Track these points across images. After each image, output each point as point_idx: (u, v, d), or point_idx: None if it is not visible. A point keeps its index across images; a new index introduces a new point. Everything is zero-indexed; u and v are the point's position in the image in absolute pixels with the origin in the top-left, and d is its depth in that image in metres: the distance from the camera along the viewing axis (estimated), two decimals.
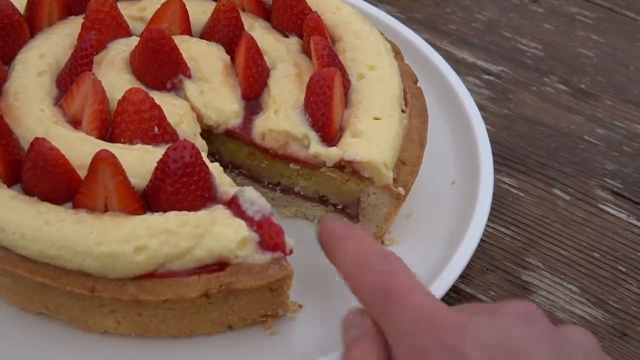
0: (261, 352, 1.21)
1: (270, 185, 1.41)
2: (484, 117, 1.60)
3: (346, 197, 1.35)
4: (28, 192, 1.18)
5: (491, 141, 1.53)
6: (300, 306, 1.26)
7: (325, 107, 1.29)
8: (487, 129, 1.53)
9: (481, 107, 1.68)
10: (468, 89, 1.62)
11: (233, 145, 1.39)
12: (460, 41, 1.88)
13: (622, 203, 1.55)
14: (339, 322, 1.22)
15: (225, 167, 1.42)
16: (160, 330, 1.20)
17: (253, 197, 1.18)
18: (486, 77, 1.79)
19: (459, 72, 1.69)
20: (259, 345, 1.22)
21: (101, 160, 1.13)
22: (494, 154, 1.53)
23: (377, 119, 1.32)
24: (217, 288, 1.13)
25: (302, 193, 1.39)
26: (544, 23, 1.96)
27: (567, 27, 1.95)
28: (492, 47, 1.87)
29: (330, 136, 1.30)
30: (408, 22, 1.89)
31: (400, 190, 1.30)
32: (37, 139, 1.15)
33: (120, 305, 1.15)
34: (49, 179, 1.15)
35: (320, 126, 1.30)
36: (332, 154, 1.28)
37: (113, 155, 1.13)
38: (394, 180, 1.30)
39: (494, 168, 1.48)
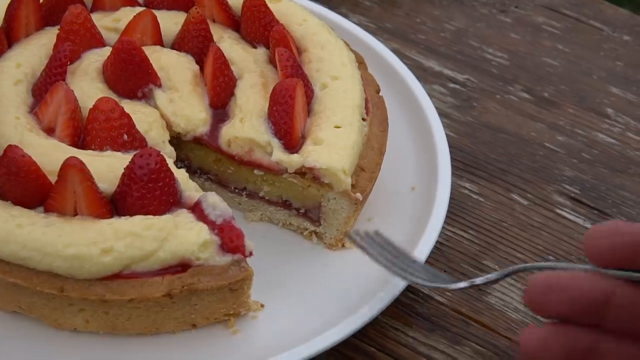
0: (224, 349, 1.27)
1: (237, 190, 1.47)
2: (448, 125, 1.66)
3: (308, 202, 1.42)
4: (1, 196, 1.24)
5: (454, 148, 1.60)
6: (262, 305, 1.32)
7: (287, 116, 1.35)
8: (451, 136, 1.59)
9: (446, 115, 1.74)
10: (434, 97, 1.68)
11: (201, 152, 1.45)
12: (428, 50, 1.94)
13: (579, 208, 1.60)
14: (297, 321, 1.29)
15: (194, 172, 1.48)
16: (127, 328, 1.25)
17: (215, 202, 1.24)
18: (452, 85, 1.85)
19: (425, 81, 1.75)
20: (222, 342, 1.27)
21: (70, 167, 1.19)
22: (456, 160, 1.60)
23: (337, 127, 1.39)
24: (180, 288, 1.20)
25: (266, 198, 1.45)
26: (511, 33, 2.02)
27: (534, 37, 2.01)
28: (459, 56, 1.93)
29: (292, 144, 1.36)
30: (379, 31, 1.95)
31: (358, 195, 1.36)
32: (10, 146, 1.21)
33: (88, 305, 1.21)
34: (20, 185, 1.22)
35: (283, 134, 1.36)
36: (293, 160, 1.34)
37: (81, 162, 1.19)
38: (353, 186, 1.36)
39: (456, 174, 1.54)
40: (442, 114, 1.64)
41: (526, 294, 0.97)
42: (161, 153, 1.23)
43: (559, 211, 1.60)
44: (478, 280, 1.19)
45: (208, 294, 1.22)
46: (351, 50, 1.58)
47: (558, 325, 0.97)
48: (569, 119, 1.80)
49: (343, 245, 1.42)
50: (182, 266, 1.21)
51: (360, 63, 1.58)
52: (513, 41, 2.00)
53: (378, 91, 1.55)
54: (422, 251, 1.36)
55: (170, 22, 1.55)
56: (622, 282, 0.95)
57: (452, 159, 1.55)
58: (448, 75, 1.88)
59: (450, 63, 1.91)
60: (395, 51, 1.79)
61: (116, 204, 1.25)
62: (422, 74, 1.81)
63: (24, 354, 1.24)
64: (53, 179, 1.23)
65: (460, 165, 1.66)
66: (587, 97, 1.86)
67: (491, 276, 1.17)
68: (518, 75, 1.90)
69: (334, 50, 1.53)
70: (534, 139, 1.74)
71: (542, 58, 1.96)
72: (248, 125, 1.38)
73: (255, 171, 1.41)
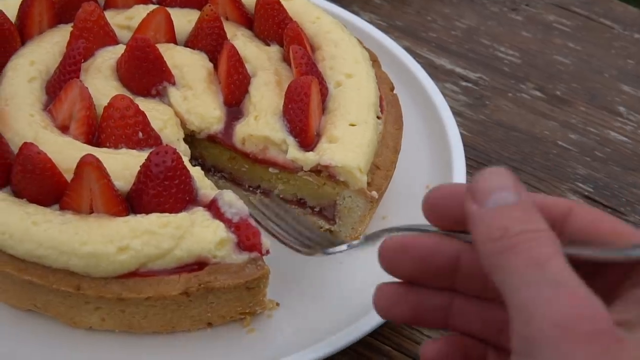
0: (239, 348, 1.26)
1: (251, 189, 1.47)
2: (460, 123, 1.66)
3: (323, 200, 1.41)
4: (17, 194, 1.24)
5: (467, 146, 1.59)
6: (277, 304, 1.31)
7: (302, 114, 1.34)
8: (463, 135, 1.58)
9: (458, 113, 1.74)
10: (446, 95, 1.67)
11: (215, 150, 1.45)
12: (440, 48, 1.93)
13: (593, 206, 1.59)
14: (314, 320, 1.29)
15: (208, 170, 1.47)
16: (143, 326, 1.25)
17: (231, 200, 1.24)
18: (464, 83, 1.85)
19: (437, 79, 1.75)
20: (237, 341, 1.27)
21: (86, 164, 1.18)
22: (469, 158, 1.59)
23: (352, 125, 1.38)
24: (197, 286, 1.19)
25: (281, 196, 1.44)
26: (522, 31, 2.01)
27: (545, 35, 2.01)
28: (471, 55, 1.93)
29: (307, 142, 1.36)
30: (389, 29, 1.94)
31: (374, 194, 1.35)
32: (25, 143, 1.21)
33: (105, 303, 1.21)
34: (36, 182, 1.21)
35: (298, 132, 1.35)
36: (308, 158, 1.34)
37: (97, 160, 1.19)
38: (368, 184, 1.36)
39: (469, 172, 1.53)
40: (454, 112, 1.63)
41: (380, 255, 1.02)
42: (177, 151, 1.22)
43: None
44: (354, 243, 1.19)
45: (225, 292, 1.21)
46: (364, 48, 1.57)
47: (453, 336, 1.01)
48: (581, 117, 1.80)
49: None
50: (199, 264, 1.21)
51: (374, 61, 1.57)
52: (524, 39, 1.99)
53: (392, 89, 1.54)
54: None
55: (184, 19, 1.54)
56: (468, 246, 0.97)
57: (465, 157, 1.54)
58: (460, 73, 1.88)
59: (462, 61, 1.91)
60: (406, 49, 1.78)
61: (132, 202, 1.24)
62: (434, 72, 1.81)
63: (39, 353, 1.24)
64: (68, 176, 1.22)
65: (473, 163, 1.65)
66: (598, 95, 1.86)
67: (360, 241, 1.17)
68: (530, 74, 1.89)
69: (347, 47, 1.52)
70: (546, 137, 1.74)
71: (553, 56, 1.95)
72: (263, 123, 1.38)
73: (270, 169, 1.40)
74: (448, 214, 0.98)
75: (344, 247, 1.22)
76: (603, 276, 0.91)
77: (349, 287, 1.34)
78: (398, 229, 1.08)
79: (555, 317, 0.76)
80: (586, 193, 1.63)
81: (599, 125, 1.78)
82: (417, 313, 1.03)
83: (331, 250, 1.23)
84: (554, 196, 0.96)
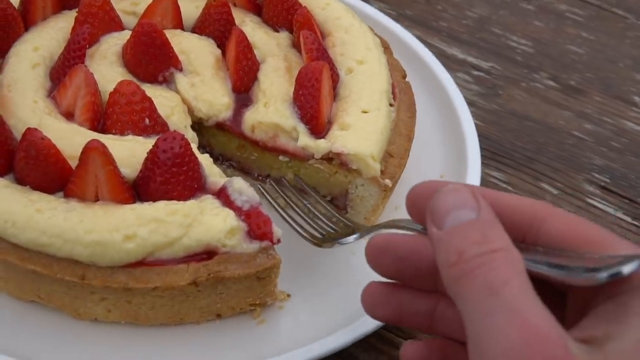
0: (249, 340, 1.22)
1: (260, 178, 1.43)
2: (473, 113, 1.62)
3: (335, 189, 1.37)
4: (20, 181, 1.20)
5: (480, 136, 1.55)
6: (288, 295, 1.27)
7: (313, 100, 1.30)
8: (476, 124, 1.54)
9: (471, 103, 1.70)
10: (458, 84, 1.63)
11: (223, 138, 1.41)
12: (451, 38, 1.90)
13: (610, 197, 1.56)
14: (326, 311, 1.25)
15: (216, 159, 1.44)
16: (150, 318, 1.21)
17: (242, 188, 1.20)
18: (476, 73, 1.81)
19: (449, 68, 1.71)
20: (247, 333, 1.23)
21: (92, 149, 1.15)
22: (482, 148, 1.55)
23: (365, 112, 1.34)
24: (206, 276, 1.15)
25: (291, 185, 1.40)
26: (534, 20, 1.98)
27: (557, 25, 1.97)
28: (482, 44, 1.89)
29: (318, 129, 1.32)
30: (399, 18, 1.90)
31: (387, 182, 1.32)
32: (29, 129, 1.17)
33: (110, 293, 1.17)
34: (40, 169, 1.17)
35: (309, 119, 1.32)
36: (320, 146, 1.30)
37: (103, 145, 1.15)
38: (381, 172, 1.32)
39: (482, 162, 1.49)
40: (467, 102, 1.59)
41: (365, 252, 1.01)
42: (185, 137, 1.18)
43: (589, 200, 1.55)
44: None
45: (235, 282, 1.17)
46: (375, 34, 1.53)
47: (434, 339, 0.99)
48: (596, 107, 1.76)
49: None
50: (208, 253, 1.17)
51: (386, 48, 1.53)
52: (536, 29, 1.96)
53: (404, 76, 1.51)
54: None
55: (191, 5, 1.50)
56: None
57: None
58: (472, 62, 1.84)
59: (474, 51, 1.87)
60: (416, 38, 1.74)
61: (138, 190, 1.20)
62: (445, 62, 1.77)
63: (43, 346, 1.20)
64: (72, 164, 1.19)
65: (487, 153, 1.62)
66: (613, 85, 1.82)
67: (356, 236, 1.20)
68: (543, 63, 1.86)
69: (358, 34, 1.49)
70: (561, 127, 1.70)
71: (566, 46, 1.92)
72: (272, 110, 1.34)
73: (280, 157, 1.36)
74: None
75: (351, 238, 1.20)
76: (576, 289, 0.87)
77: (362, 277, 1.27)
78: (397, 226, 1.05)
79: (505, 349, 0.72)
80: (602, 184, 1.59)
81: (615, 115, 1.74)
82: (401, 315, 1.01)
83: (344, 240, 1.20)
84: (531, 199, 0.91)
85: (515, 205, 0.88)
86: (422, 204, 0.92)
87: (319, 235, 1.25)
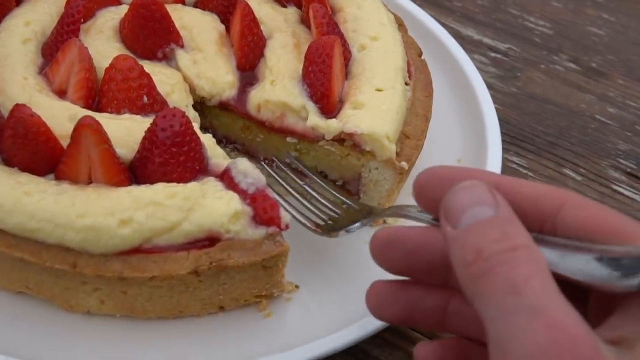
0: (255, 334, 1.13)
1: (266, 161, 1.33)
2: (491, 95, 1.53)
3: (346, 173, 1.28)
4: (7, 162, 1.11)
5: (499, 119, 1.46)
6: (296, 286, 1.18)
7: (324, 77, 1.22)
8: (495, 108, 1.46)
9: (488, 85, 1.59)
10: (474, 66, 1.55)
11: (227, 119, 1.32)
12: (466, 18, 1.81)
13: (636, 184, 1.47)
14: (337, 304, 1.16)
15: (219, 141, 1.34)
16: (147, 310, 1.12)
17: (247, 169, 1.11)
18: (493, 54, 1.72)
19: (464, 50, 1.62)
20: (252, 327, 1.14)
21: (84, 127, 1.06)
22: (501, 132, 1.46)
23: (379, 90, 1.25)
24: (208, 265, 1.06)
25: (299, 169, 1.31)
26: (552, 1, 1.89)
27: (576, 5, 1.88)
28: (499, 25, 1.80)
29: (329, 108, 1.23)
30: None
31: (404, 164, 1.23)
32: (17, 105, 1.08)
33: (104, 283, 1.08)
34: (29, 148, 1.08)
35: (319, 97, 1.23)
36: (331, 126, 1.21)
37: (97, 122, 1.06)
38: (397, 154, 1.23)
39: (502, 147, 1.40)
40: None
41: (370, 247, 0.94)
42: (186, 115, 1.10)
43: (615, 187, 1.46)
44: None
45: (239, 271, 1.08)
46: (389, 11, 1.44)
47: (450, 339, 0.93)
48: (620, 90, 1.67)
49: (384, 222, 1.28)
50: (210, 240, 1.08)
51: (400, 25, 1.44)
52: (555, 9, 1.87)
53: (420, 54, 1.42)
54: None
55: None
56: None
57: None
58: (488, 44, 1.75)
59: (490, 32, 1.78)
60: (431, 17, 1.65)
61: (135, 172, 1.12)
62: (461, 43, 1.67)
63: (32, 340, 1.11)
64: (64, 143, 1.10)
65: (507, 138, 1.53)
66: (636, 68, 1.73)
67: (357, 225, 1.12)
68: (562, 45, 1.77)
69: (371, 9, 1.40)
70: (583, 111, 1.61)
71: (586, 27, 1.83)
72: (280, 88, 1.25)
73: (288, 139, 1.27)
74: (438, 201, 0.84)
75: (356, 226, 1.13)
76: None
77: (375, 267, 1.20)
78: (405, 215, 0.98)
79: (530, 350, 0.67)
80: (629, 170, 1.50)
81: (639, 98, 1.65)
82: (411, 314, 0.95)
83: (350, 228, 1.13)
84: (549, 185, 0.85)
85: (531, 194, 0.83)
86: (430, 193, 0.87)
87: (322, 223, 1.16)
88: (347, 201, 1.18)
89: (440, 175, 0.87)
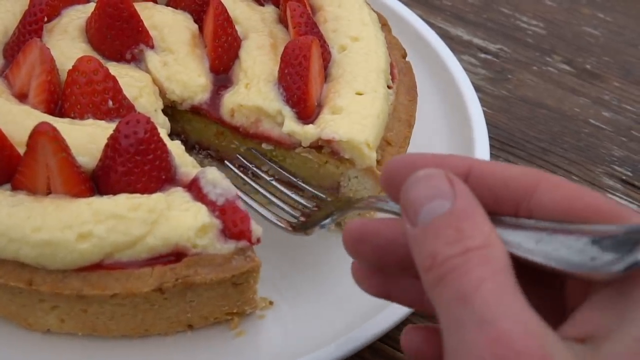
0: (226, 354, 1.08)
1: (241, 168, 1.27)
2: (480, 98, 1.47)
3: (324, 182, 1.22)
4: None
5: (488, 124, 1.40)
6: (270, 303, 1.13)
7: (301, 80, 1.15)
8: (484, 111, 1.40)
9: (477, 88, 1.54)
10: (463, 68, 1.48)
11: (200, 124, 1.26)
12: (455, 17, 1.74)
13: (632, 192, 1.41)
14: (314, 321, 1.10)
15: (192, 148, 1.29)
16: (110, 329, 1.06)
17: (216, 179, 1.05)
18: (483, 55, 1.65)
19: (453, 51, 1.56)
20: (223, 347, 1.09)
21: (40, 134, 0.99)
22: (491, 137, 1.41)
23: (359, 94, 1.20)
24: (173, 282, 1.00)
25: (276, 176, 1.24)
26: (545, 0, 1.82)
27: (571, 4, 1.82)
28: (490, 24, 1.73)
29: (306, 112, 1.17)
30: None
31: None
32: None
33: (63, 301, 1.02)
34: None
35: (296, 101, 1.16)
36: (308, 132, 1.15)
37: (54, 129, 0.99)
38: (378, 162, 1.17)
39: (491, 153, 1.35)
40: (473, 87, 1.43)
41: (343, 240, 0.90)
42: (152, 121, 1.03)
43: (610, 195, 1.40)
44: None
45: (207, 288, 1.03)
46: (372, 10, 1.38)
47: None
48: (615, 94, 1.60)
49: (359, 215, 1.21)
50: (176, 255, 1.02)
51: (384, 24, 1.38)
52: (548, 9, 1.80)
53: (404, 56, 1.35)
54: None
55: None
56: None
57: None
58: (478, 44, 1.68)
59: (480, 32, 1.71)
60: (417, 16, 1.58)
61: (98, 182, 1.06)
62: (450, 43, 1.61)
63: None
64: (23, 151, 1.03)
65: (496, 143, 1.47)
66: (632, 70, 1.67)
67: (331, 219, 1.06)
68: (556, 46, 1.70)
69: (352, 8, 1.33)
70: (577, 115, 1.54)
71: (581, 27, 1.76)
72: (255, 92, 1.19)
73: (263, 145, 1.22)
74: None
75: (330, 219, 1.06)
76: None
77: (353, 283, 1.14)
78: (376, 207, 0.94)
79: None
80: (624, 177, 1.43)
81: (635, 102, 1.59)
82: (389, 292, 0.91)
83: (324, 223, 1.06)
84: (523, 167, 0.83)
85: (504, 176, 0.78)
86: (398, 182, 0.81)
87: (294, 220, 1.10)
88: (318, 193, 1.11)
89: (407, 163, 0.82)
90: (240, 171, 1.22)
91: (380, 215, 0.99)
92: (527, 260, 0.72)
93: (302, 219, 1.10)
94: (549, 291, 0.78)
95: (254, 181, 1.18)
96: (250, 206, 1.11)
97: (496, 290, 0.67)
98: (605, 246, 0.68)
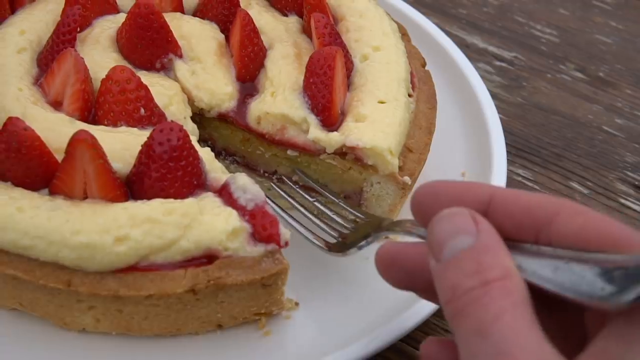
0: (253, 353, 1.11)
1: (266, 174, 1.31)
2: (495, 106, 1.50)
3: (348, 187, 1.26)
4: (0, 176, 1.08)
5: (503, 131, 1.43)
6: (296, 304, 1.17)
7: (325, 89, 1.19)
8: (500, 118, 1.43)
9: (493, 95, 1.57)
10: (479, 75, 1.52)
11: (226, 131, 1.30)
12: (471, 26, 1.78)
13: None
14: (338, 321, 1.13)
15: (219, 154, 1.32)
16: (143, 328, 1.10)
17: (246, 184, 1.08)
18: (498, 63, 1.69)
19: (469, 58, 1.59)
20: (251, 346, 1.12)
21: (79, 141, 1.03)
22: (506, 144, 1.44)
23: (381, 102, 1.23)
24: (205, 283, 1.04)
25: (300, 182, 1.28)
26: (559, 8, 1.86)
27: (584, 13, 1.85)
28: (505, 33, 1.77)
29: (331, 120, 1.20)
30: (415, 5, 1.78)
31: (406, 179, 1.20)
32: (10, 118, 1.06)
33: (99, 301, 1.06)
34: (23, 162, 1.06)
35: (321, 109, 1.20)
36: (332, 139, 1.18)
37: (92, 137, 1.03)
38: (400, 168, 1.20)
39: (507, 159, 1.38)
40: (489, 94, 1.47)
41: (376, 264, 0.93)
42: (184, 128, 1.07)
43: (622, 201, 1.43)
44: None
45: (237, 289, 1.06)
46: (392, 20, 1.41)
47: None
48: (628, 101, 1.64)
49: (387, 237, 1.24)
50: (208, 257, 1.06)
51: (403, 34, 1.42)
52: (562, 17, 1.84)
53: (424, 65, 1.39)
54: None
55: None
56: None
57: None
58: (493, 52, 1.72)
59: (496, 40, 1.75)
60: (435, 26, 1.62)
61: (132, 187, 1.09)
62: (465, 51, 1.65)
63: (26, 358, 1.08)
64: (59, 157, 1.07)
65: (512, 149, 1.50)
66: None
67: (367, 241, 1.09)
68: (570, 53, 1.74)
69: (374, 18, 1.37)
70: (590, 122, 1.58)
71: (594, 35, 1.80)
72: (280, 100, 1.22)
73: (289, 152, 1.25)
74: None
75: (367, 240, 1.10)
76: None
77: (377, 285, 1.16)
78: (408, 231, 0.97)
79: None
80: (637, 182, 1.47)
81: None
82: (412, 281, 0.92)
83: (361, 244, 1.10)
84: (545, 195, 0.83)
85: (526, 204, 0.81)
86: (427, 210, 0.86)
87: (334, 241, 1.13)
88: (357, 213, 1.15)
89: (436, 191, 0.86)
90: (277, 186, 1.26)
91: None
92: (543, 289, 0.74)
93: (339, 239, 1.14)
94: (569, 316, 0.80)
95: (292, 198, 1.22)
96: (292, 226, 1.15)
97: (514, 323, 0.70)
98: (615, 277, 0.70)
